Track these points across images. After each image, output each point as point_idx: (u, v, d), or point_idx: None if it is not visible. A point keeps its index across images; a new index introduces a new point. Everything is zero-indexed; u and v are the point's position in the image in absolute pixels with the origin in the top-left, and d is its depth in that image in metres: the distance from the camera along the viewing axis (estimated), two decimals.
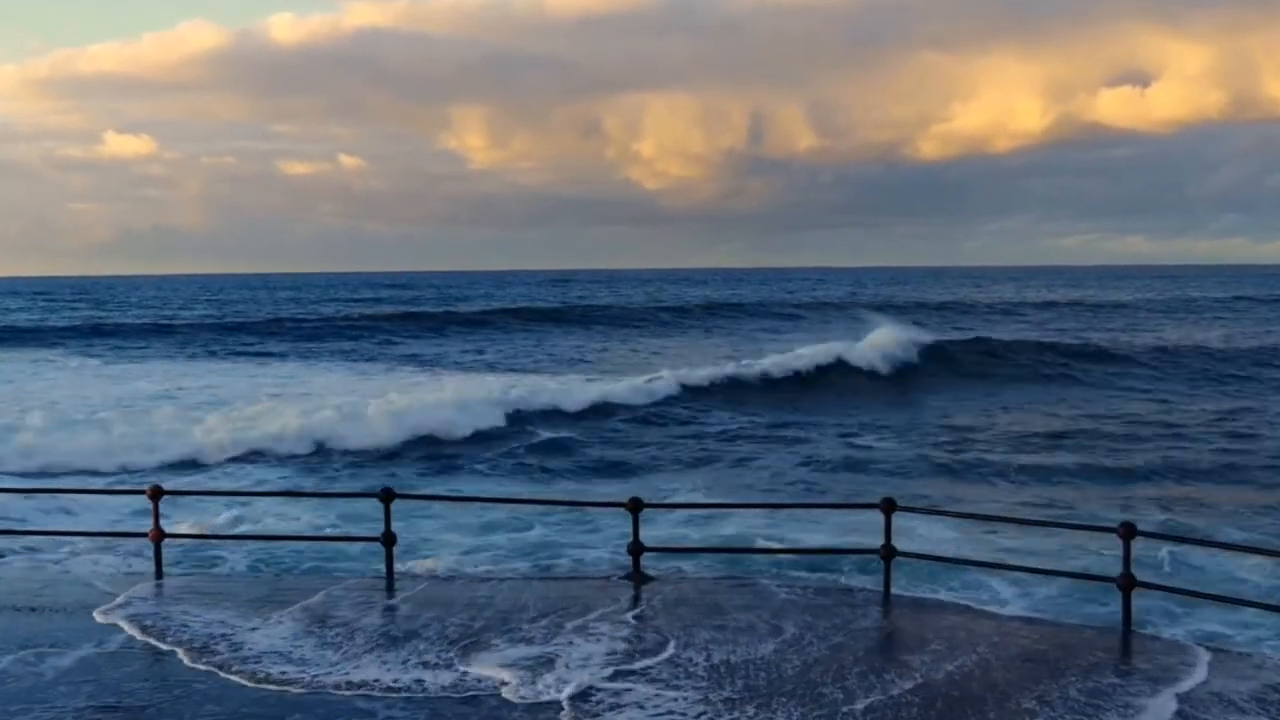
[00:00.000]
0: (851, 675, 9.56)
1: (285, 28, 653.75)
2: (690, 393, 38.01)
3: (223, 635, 10.87)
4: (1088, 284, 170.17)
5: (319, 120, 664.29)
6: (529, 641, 10.47)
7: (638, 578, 12.64)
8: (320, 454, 27.31)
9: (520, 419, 32.02)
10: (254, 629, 11.01)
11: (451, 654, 10.19)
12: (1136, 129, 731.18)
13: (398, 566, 13.44)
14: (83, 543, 17.30)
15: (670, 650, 10.20)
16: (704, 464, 26.78)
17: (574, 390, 36.53)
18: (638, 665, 9.82)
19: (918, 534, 16.92)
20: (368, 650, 10.34)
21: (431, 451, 27.94)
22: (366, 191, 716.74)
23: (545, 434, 30.67)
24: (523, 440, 29.77)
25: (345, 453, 27.45)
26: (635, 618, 11.27)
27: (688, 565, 16.02)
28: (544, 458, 27.67)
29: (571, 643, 10.42)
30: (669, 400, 36.71)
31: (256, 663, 10.11)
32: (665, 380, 38.73)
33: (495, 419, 31.28)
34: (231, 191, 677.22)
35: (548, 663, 9.87)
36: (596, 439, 30.53)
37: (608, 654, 10.09)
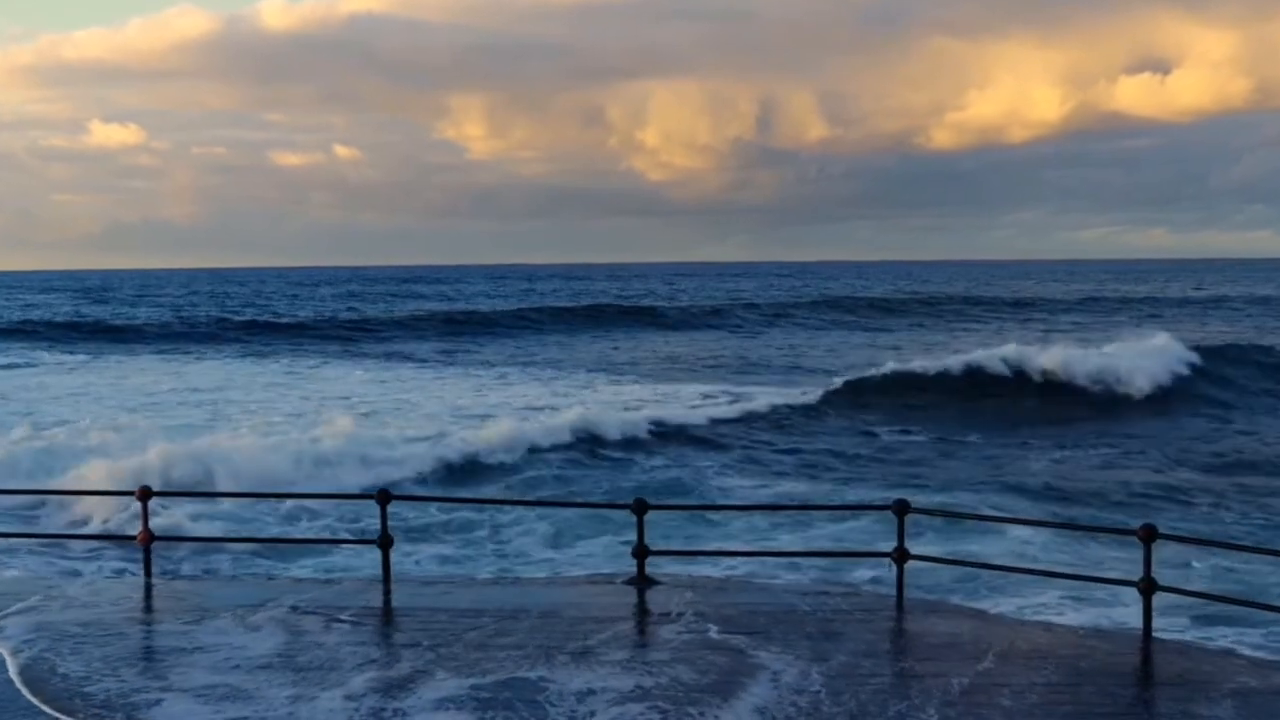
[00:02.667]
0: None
1: (277, 13, 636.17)
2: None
3: (156, 652, 9.82)
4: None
5: (312, 109, 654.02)
6: (507, 668, 9.41)
7: (642, 581, 12.25)
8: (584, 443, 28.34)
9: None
10: (216, 642, 10.01)
11: (421, 687, 9.02)
12: (1157, 118, 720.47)
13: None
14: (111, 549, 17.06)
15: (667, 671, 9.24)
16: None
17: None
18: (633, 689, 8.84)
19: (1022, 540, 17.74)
20: (329, 685, 8.96)
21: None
22: (362, 183, 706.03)
23: None
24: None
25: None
26: (636, 626, 10.71)
27: (695, 566, 15.52)
28: None
29: (567, 666, 9.41)
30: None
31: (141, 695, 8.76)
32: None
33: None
34: (222, 183, 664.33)
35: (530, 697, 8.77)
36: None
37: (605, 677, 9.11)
